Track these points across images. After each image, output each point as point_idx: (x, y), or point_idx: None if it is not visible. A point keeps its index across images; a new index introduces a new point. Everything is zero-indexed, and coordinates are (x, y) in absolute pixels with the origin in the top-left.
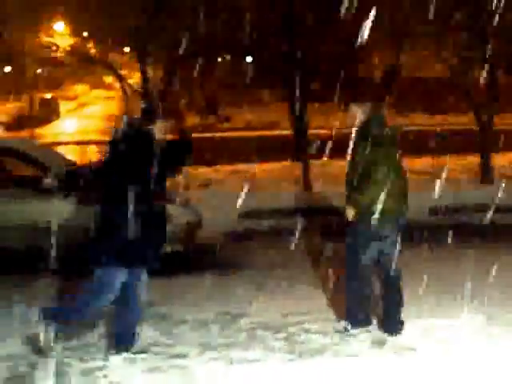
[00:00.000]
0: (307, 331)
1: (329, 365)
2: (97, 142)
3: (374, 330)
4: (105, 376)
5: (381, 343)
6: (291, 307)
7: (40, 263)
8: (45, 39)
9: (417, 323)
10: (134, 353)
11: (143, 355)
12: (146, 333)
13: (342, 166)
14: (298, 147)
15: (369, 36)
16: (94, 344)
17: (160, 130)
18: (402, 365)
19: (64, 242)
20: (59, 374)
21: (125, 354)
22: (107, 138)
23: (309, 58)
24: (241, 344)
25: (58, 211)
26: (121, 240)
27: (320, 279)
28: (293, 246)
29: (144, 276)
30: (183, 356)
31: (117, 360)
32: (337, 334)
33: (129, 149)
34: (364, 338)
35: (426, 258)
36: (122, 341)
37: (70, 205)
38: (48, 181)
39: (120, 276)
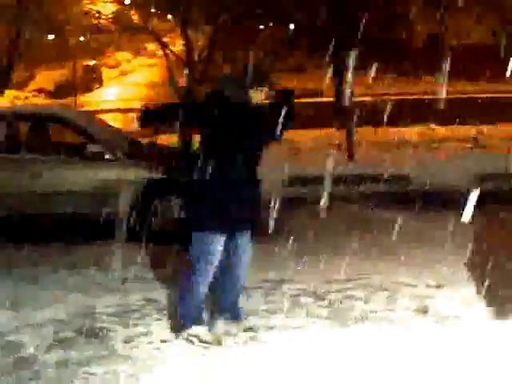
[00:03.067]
0: (350, 298)
1: (371, 332)
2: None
3: (416, 295)
4: (149, 342)
5: (423, 311)
6: (334, 274)
7: (85, 230)
8: (88, 7)
9: (460, 291)
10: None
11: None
12: None
13: (385, 133)
14: (340, 114)
15: (411, 2)
16: (138, 310)
17: (259, 94)
18: (444, 333)
19: (108, 209)
20: (103, 339)
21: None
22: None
23: (352, 25)
24: (283, 311)
25: (102, 178)
26: (216, 204)
27: (363, 247)
28: (335, 214)
29: (243, 241)
30: (225, 322)
31: (159, 327)
32: (380, 300)
33: (223, 114)
34: (407, 305)
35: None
36: (224, 310)
37: (116, 171)
38: (92, 147)
39: (217, 242)
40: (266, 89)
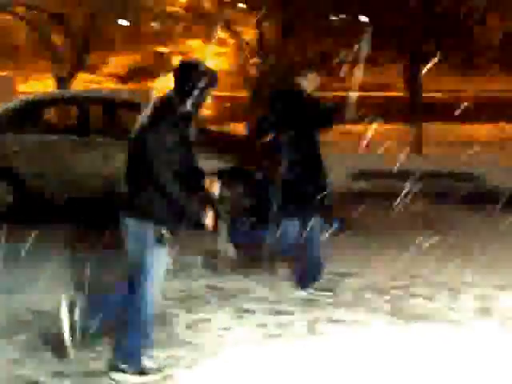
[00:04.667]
0: (413, 295)
1: (432, 331)
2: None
3: (480, 296)
4: (210, 329)
5: (486, 312)
6: (398, 270)
7: None
8: None
9: None
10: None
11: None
12: (255, 290)
13: (456, 129)
14: (411, 109)
15: None
16: (202, 296)
17: (311, 82)
18: (505, 334)
19: None
20: (165, 323)
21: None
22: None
23: (424, 19)
24: (346, 304)
25: None
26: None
27: (429, 244)
28: (402, 209)
29: (314, 224)
30: (288, 313)
31: (221, 314)
32: (444, 299)
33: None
34: (471, 305)
35: None
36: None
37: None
38: None
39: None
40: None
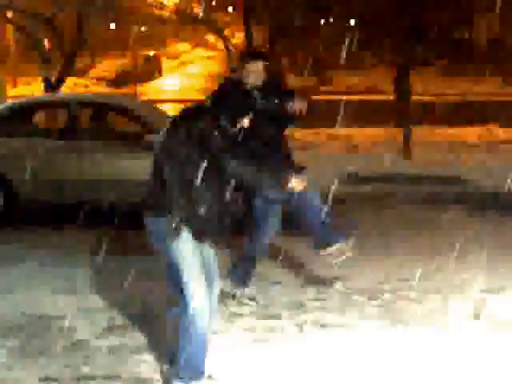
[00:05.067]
0: (403, 299)
1: (422, 334)
2: (197, 101)
3: (469, 299)
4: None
5: (477, 316)
6: (388, 274)
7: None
8: None
9: None
10: None
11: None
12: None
13: (443, 132)
14: (399, 113)
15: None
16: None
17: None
18: (495, 338)
19: None
20: (156, 326)
21: None
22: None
23: (413, 21)
24: (334, 308)
25: None
26: None
27: (417, 247)
28: (390, 213)
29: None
30: (276, 317)
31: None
32: (432, 302)
33: None
34: (460, 308)
35: None
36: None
37: None
38: (150, 137)
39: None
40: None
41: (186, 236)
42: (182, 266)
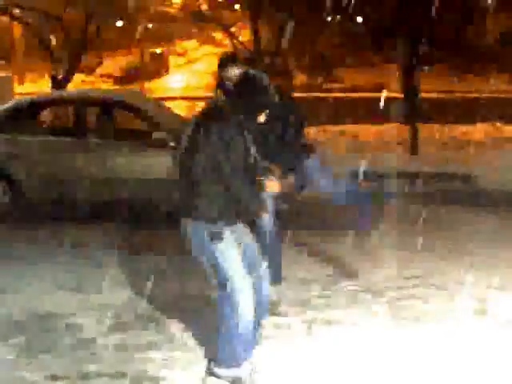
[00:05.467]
0: (409, 297)
1: (427, 332)
2: (204, 98)
3: (477, 296)
4: (204, 332)
5: (483, 313)
6: (393, 272)
7: (148, 216)
8: None
9: None
10: None
11: None
12: None
13: (451, 129)
14: (406, 110)
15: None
16: (197, 298)
17: None
18: (502, 335)
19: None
20: (161, 325)
21: None
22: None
23: (420, 20)
24: (341, 305)
25: (167, 165)
26: None
27: (426, 245)
28: (398, 210)
29: None
30: (283, 314)
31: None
32: (438, 300)
33: None
34: (467, 306)
35: None
36: None
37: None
38: (158, 134)
39: None
40: None
41: (226, 234)
42: (225, 263)
